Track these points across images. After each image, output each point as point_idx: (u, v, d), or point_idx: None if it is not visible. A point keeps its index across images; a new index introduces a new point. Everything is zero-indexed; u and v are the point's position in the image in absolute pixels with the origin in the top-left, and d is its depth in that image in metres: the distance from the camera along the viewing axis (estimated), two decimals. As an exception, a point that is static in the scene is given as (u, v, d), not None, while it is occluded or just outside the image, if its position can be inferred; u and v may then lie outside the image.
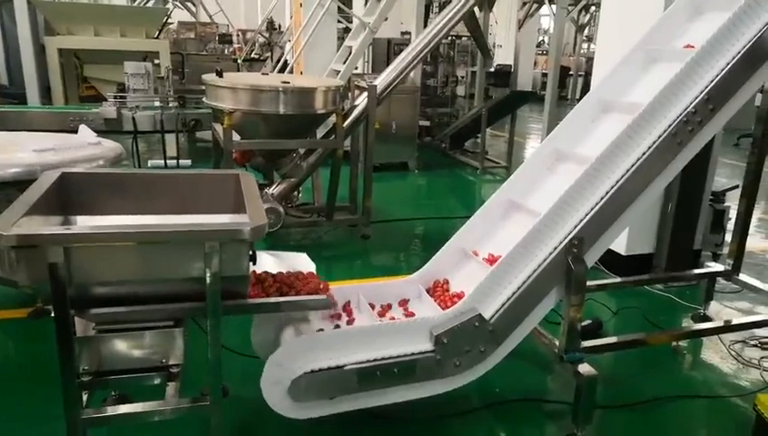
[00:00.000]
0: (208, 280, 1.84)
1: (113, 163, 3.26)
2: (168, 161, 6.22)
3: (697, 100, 2.41)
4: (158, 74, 6.46)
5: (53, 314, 1.76)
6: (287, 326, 2.35)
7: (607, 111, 2.88)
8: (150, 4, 16.27)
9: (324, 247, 4.97)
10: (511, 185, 2.85)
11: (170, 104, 6.09)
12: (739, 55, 2.42)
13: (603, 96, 2.88)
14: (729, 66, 2.42)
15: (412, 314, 2.54)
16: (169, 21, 11.23)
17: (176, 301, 1.93)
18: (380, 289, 2.71)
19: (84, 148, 3.25)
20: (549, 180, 2.81)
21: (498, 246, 2.65)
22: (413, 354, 2.25)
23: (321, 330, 2.35)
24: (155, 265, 1.86)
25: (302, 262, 2.51)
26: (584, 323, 3.19)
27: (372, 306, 2.58)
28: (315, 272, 2.40)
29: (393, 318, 2.55)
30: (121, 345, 1.97)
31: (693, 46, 2.65)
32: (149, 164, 6.86)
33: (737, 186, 3.62)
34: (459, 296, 2.52)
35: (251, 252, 1.94)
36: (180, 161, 6.39)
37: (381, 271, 4.45)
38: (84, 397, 2.01)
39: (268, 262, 2.44)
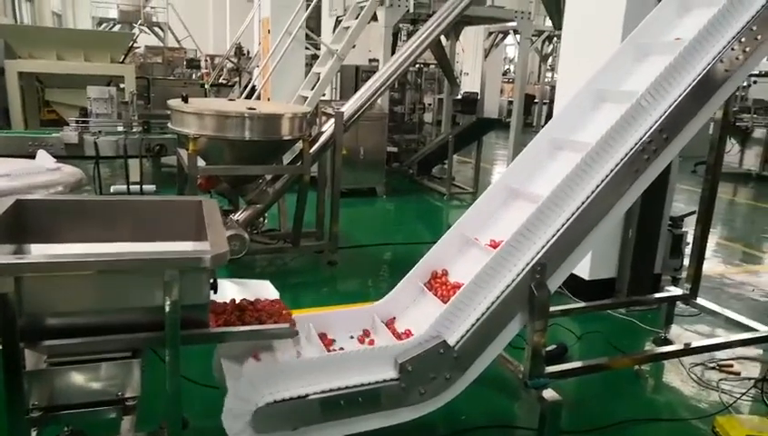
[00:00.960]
0: (167, 309, 1.80)
1: (72, 189, 3.19)
2: (132, 186, 6.10)
3: (652, 130, 2.49)
4: (122, 98, 6.38)
5: (0, 347, 1.69)
6: (249, 355, 2.30)
7: (604, 100, 2.94)
8: (116, 29, 16.19)
9: (290, 274, 4.92)
10: (511, 172, 2.88)
11: (134, 129, 6.00)
12: (689, 89, 2.52)
13: (599, 87, 2.94)
14: (680, 99, 2.51)
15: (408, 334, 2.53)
16: (136, 45, 11.15)
17: (134, 331, 1.88)
18: (389, 305, 2.75)
19: (42, 174, 3.17)
20: (550, 166, 2.85)
21: (500, 232, 2.66)
22: (377, 383, 2.22)
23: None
24: (112, 295, 1.82)
25: (266, 290, 2.48)
26: (549, 348, 3.22)
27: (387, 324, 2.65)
28: (279, 300, 2.38)
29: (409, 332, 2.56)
30: (75, 378, 1.89)
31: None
32: (112, 190, 6.73)
33: (694, 212, 3.74)
34: (459, 286, 2.49)
35: (211, 280, 1.91)
36: (144, 186, 6.28)
37: (349, 297, 4.42)
38: (34, 434, 1.93)
39: (231, 290, 2.40)
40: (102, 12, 18.37)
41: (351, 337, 2.62)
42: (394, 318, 2.73)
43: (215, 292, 1.99)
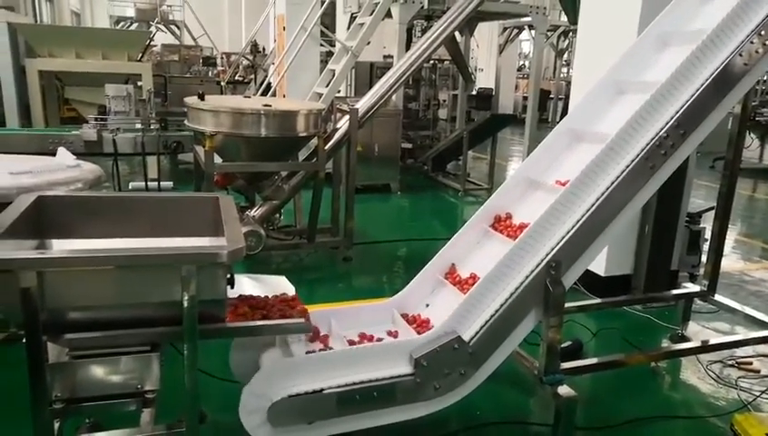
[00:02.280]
0: (185, 303, 1.82)
1: (92, 186, 3.24)
2: (149, 183, 6.17)
3: (668, 125, 2.47)
4: (140, 96, 6.44)
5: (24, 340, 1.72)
6: (267, 349, 2.33)
7: (668, 44, 2.95)
8: (133, 27, 16.35)
9: (306, 270, 4.95)
10: (574, 116, 2.90)
11: (151, 127, 6.06)
12: (707, 83, 2.49)
13: (663, 29, 2.95)
14: (698, 93, 2.48)
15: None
16: (152, 44, 11.25)
17: (153, 325, 1.91)
18: (449, 252, 2.81)
19: (63, 171, 3.22)
20: (612, 109, 2.87)
21: (565, 173, 2.68)
22: (393, 378, 2.24)
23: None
24: (131, 289, 1.85)
25: (282, 286, 2.51)
26: (565, 345, 3.21)
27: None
28: (296, 296, 2.40)
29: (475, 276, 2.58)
30: (95, 371, 1.93)
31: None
32: (130, 187, 6.81)
33: (712, 208, 3.70)
34: (525, 226, 2.51)
35: (228, 276, 1.94)
36: (161, 183, 6.35)
37: (364, 293, 4.43)
38: (57, 425, 1.97)
39: (247, 286, 2.43)
40: (119, 11, 18.58)
41: (427, 305, 2.71)
42: (454, 265, 2.77)
43: (232, 287, 2.02)
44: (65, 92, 8.14)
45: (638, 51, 2.96)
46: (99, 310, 1.85)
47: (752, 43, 2.52)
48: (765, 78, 11.04)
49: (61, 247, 2.24)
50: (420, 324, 2.57)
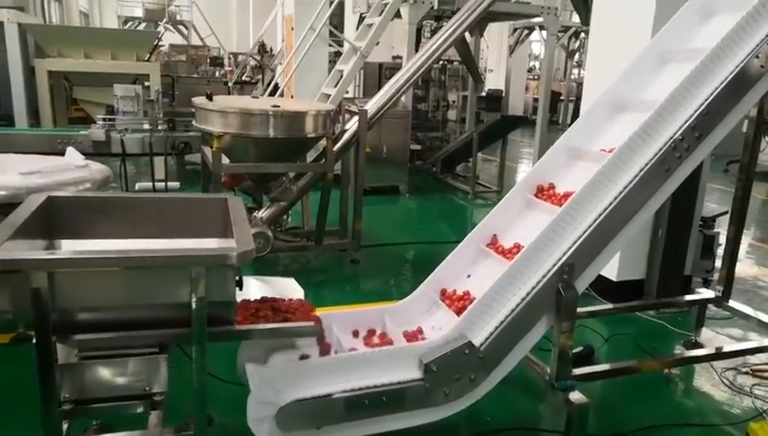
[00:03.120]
0: (194, 305, 1.81)
1: (100, 186, 3.24)
2: (156, 184, 6.18)
3: (684, 127, 2.43)
4: (148, 96, 6.45)
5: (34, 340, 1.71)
6: (275, 353, 2.30)
7: (713, 13, 2.91)
8: (141, 27, 16.42)
9: (313, 272, 4.93)
10: (617, 86, 2.87)
11: (159, 127, 6.07)
12: (724, 84, 2.45)
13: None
14: (714, 95, 2.45)
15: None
16: (160, 44, 11.27)
17: (161, 326, 1.89)
18: (492, 222, 2.81)
19: (72, 171, 3.22)
20: (656, 80, 2.85)
21: (610, 141, 2.66)
22: (402, 382, 2.21)
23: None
24: (140, 290, 1.84)
25: (290, 288, 2.48)
26: (576, 350, 3.17)
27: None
28: (303, 298, 2.38)
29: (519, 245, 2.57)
30: (104, 372, 1.91)
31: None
32: (137, 187, 6.82)
33: (726, 212, 3.65)
34: (569, 195, 2.49)
35: (237, 278, 1.92)
36: (168, 184, 6.35)
37: (371, 296, 4.41)
38: (65, 426, 1.96)
39: (255, 288, 2.41)
40: (127, 11, 18.66)
41: (468, 276, 2.73)
42: (495, 236, 2.77)
43: (241, 289, 2.00)
44: (74, 92, 8.15)
45: (681, 21, 2.92)
46: (108, 311, 1.83)
47: (770, 45, 2.48)
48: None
49: (70, 247, 2.23)
50: (461, 299, 2.57)
